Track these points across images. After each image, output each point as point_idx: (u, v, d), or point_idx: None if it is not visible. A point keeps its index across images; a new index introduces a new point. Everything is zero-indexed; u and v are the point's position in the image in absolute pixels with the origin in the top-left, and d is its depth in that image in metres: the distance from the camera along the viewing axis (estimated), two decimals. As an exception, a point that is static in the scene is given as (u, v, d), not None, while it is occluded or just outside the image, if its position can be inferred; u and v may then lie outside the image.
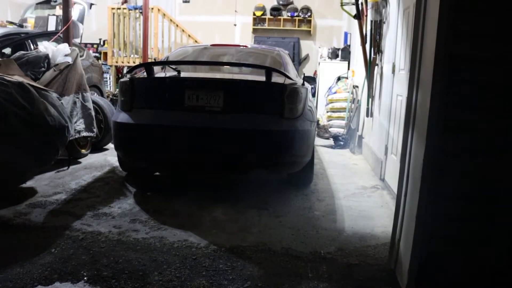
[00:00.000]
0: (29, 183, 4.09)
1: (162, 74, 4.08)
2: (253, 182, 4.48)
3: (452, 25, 2.07)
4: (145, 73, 3.91)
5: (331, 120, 7.36)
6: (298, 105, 3.70)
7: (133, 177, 4.51)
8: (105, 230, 3.11)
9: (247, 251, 2.87)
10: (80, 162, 5.06)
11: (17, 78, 3.76)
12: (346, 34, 9.54)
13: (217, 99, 3.59)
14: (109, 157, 5.34)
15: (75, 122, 4.65)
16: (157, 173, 4.77)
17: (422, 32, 2.39)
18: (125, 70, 9.36)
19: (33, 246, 2.83)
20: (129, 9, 9.01)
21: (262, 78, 3.70)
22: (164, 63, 4.40)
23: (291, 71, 4.38)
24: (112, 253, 2.75)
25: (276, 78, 3.77)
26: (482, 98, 2.11)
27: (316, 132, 8.02)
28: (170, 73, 4.03)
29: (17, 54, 4.51)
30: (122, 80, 3.96)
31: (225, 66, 4.47)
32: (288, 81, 3.75)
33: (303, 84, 3.97)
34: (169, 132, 3.64)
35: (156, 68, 4.20)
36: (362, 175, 5.06)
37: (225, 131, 3.55)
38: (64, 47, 4.68)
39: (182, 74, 3.91)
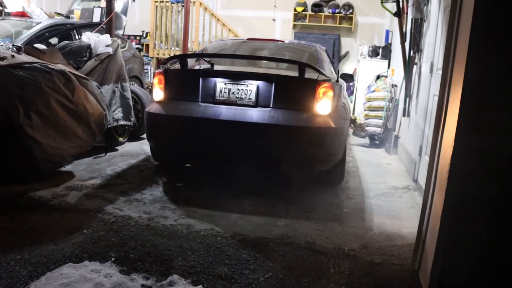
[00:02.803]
0: (67, 167, 4.27)
1: (196, 67, 4.14)
2: (283, 178, 4.50)
3: (486, 23, 2.03)
4: (179, 65, 3.97)
5: (368, 119, 7.27)
6: (331, 102, 3.66)
7: (166, 167, 4.61)
8: (136, 215, 3.22)
9: (271, 243, 2.90)
10: (117, 150, 5.22)
11: (60, 66, 3.93)
12: (387, 32, 9.38)
13: (248, 93, 3.62)
14: (145, 146, 5.48)
15: (114, 111, 4.81)
16: (188, 165, 4.85)
17: (457, 31, 2.34)
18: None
19: (67, 226, 2.97)
20: (172, 3, 9.17)
21: (296, 74, 3.69)
22: (197, 56, 4.46)
23: (326, 67, 4.34)
24: (140, 237, 2.85)
25: (310, 74, 3.76)
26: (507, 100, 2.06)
27: (350, 130, 7.99)
28: (204, 65, 4.08)
29: (61, 43, 4.70)
30: (156, 71, 4.04)
31: (260, 61, 4.48)
32: (321, 77, 3.73)
33: (337, 81, 3.94)
34: (199, 125, 3.68)
35: (192, 61, 4.26)
36: (395, 175, 4.99)
37: (255, 126, 3.56)
38: (106, 38, 4.84)
39: (216, 67, 3.95)
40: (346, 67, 10.54)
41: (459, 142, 2.15)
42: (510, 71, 2.04)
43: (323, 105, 3.63)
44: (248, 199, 3.73)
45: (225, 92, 3.67)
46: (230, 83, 3.68)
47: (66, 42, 4.75)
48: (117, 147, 5.29)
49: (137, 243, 2.76)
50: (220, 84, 3.69)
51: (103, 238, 2.80)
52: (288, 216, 3.45)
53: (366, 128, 7.21)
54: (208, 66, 3.97)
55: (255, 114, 3.59)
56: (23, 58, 3.73)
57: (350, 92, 9.70)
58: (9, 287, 2.19)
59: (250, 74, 3.81)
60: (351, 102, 9.47)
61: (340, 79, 4.10)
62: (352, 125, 8.19)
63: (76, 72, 4.06)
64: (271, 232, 3.10)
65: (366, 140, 7.15)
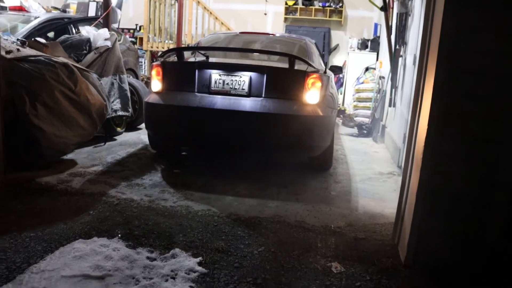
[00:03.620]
0: (69, 156, 4.47)
1: (192, 59, 4.35)
2: (276, 165, 4.74)
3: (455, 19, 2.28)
4: (175, 58, 4.18)
5: (357, 109, 7.52)
6: (319, 92, 3.90)
7: (163, 155, 4.84)
8: (137, 198, 3.45)
9: (264, 221, 3.15)
10: (115, 140, 5.44)
11: (62, 59, 4.13)
12: (376, 26, 9.63)
13: (242, 84, 3.85)
14: (142, 135, 5.69)
15: (112, 102, 5.02)
16: (184, 153, 5.08)
17: (431, 25, 2.58)
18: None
19: (74, 208, 3.19)
20: (165, -4, 9.32)
21: (286, 65, 3.92)
22: (193, 49, 4.67)
23: (316, 59, 4.58)
24: (143, 217, 3.09)
25: (300, 66, 3.99)
26: (475, 86, 2.31)
27: (339, 120, 8.25)
28: (199, 58, 4.29)
29: (62, 37, 4.89)
30: (154, 63, 4.25)
31: (253, 53, 4.70)
32: (310, 69, 3.96)
33: (325, 72, 4.18)
34: (196, 114, 3.88)
35: (187, 53, 4.47)
36: (381, 162, 5.26)
37: (248, 115, 3.78)
38: (104, 32, 5.04)
39: (210, 60, 4.17)
40: (336, 60, 10.78)
41: (432, 125, 2.40)
42: (476, 61, 2.30)
43: (311, 95, 3.86)
44: (242, 184, 3.97)
45: (220, 83, 3.89)
46: (224, 75, 3.90)
47: (67, 36, 4.95)
48: (115, 137, 5.50)
49: (140, 222, 2.99)
50: (215, 75, 3.91)
51: (109, 218, 3.03)
52: (279, 198, 3.70)
53: (355, 118, 7.47)
54: (203, 58, 4.18)
55: (248, 104, 3.81)
56: (28, 51, 3.93)
57: (340, 84, 9.96)
58: (27, 259, 2.42)
59: (243, 65, 4.03)
60: (341, 94, 9.72)
61: (328, 71, 4.33)
62: (341, 115, 8.46)
63: (77, 65, 4.26)
64: (263, 212, 3.35)
65: (355, 130, 7.41)
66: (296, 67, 3.92)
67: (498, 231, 2.43)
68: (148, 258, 2.51)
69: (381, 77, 7.32)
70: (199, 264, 2.48)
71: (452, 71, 2.31)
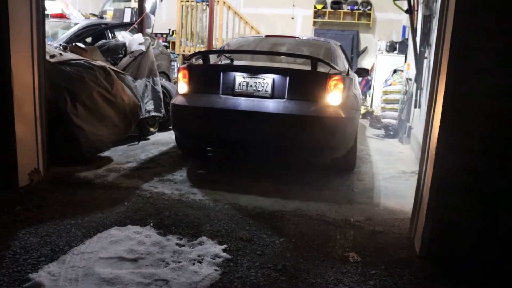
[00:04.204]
0: (106, 153, 4.76)
1: (218, 62, 4.51)
2: (300, 164, 4.89)
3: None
4: (201, 61, 4.36)
5: (384, 111, 7.59)
6: (341, 94, 3.98)
7: (193, 153, 5.06)
8: (168, 192, 3.69)
9: (286, 215, 3.33)
10: (148, 139, 5.72)
11: (99, 63, 4.42)
12: (404, 28, 9.66)
13: (265, 86, 3.99)
14: (174, 136, 5.93)
15: (146, 103, 5.30)
16: (210, 154, 5.28)
17: (444, 29, 2.71)
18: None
19: (110, 200, 3.45)
20: (197, 2, 9.66)
21: (309, 68, 4.05)
22: (218, 52, 4.86)
23: (339, 62, 4.69)
24: (173, 208, 3.31)
25: (323, 68, 4.10)
26: (485, 86, 2.43)
27: (367, 122, 8.33)
28: (224, 60, 4.45)
29: (100, 42, 5.21)
30: (180, 66, 4.42)
31: (277, 56, 4.80)
32: (332, 71, 4.05)
33: (347, 74, 4.28)
34: (220, 115, 4.01)
35: (213, 56, 4.65)
36: (405, 162, 5.34)
37: (271, 116, 3.88)
38: (139, 37, 5.33)
39: (235, 62, 4.31)
40: (365, 62, 10.84)
41: (444, 123, 2.53)
42: (484, 62, 2.41)
43: (333, 97, 3.96)
44: (267, 181, 4.15)
45: (244, 85, 4.04)
46: (248, 77, 4.05)
47: (104, 41, 5.26)
48: (148, 137, 5.79)
49: (171, 212, 3.22)
50: (239, 77, 4.06)
51: (142, 209, 3.27)
52: (303, 194, 3.86)
53: (382, 120, 7.55)
54: (228, 61, 4.34)
55: (271, 105, 3.93)
56: (69, 55, 4.24)
57: (369, 87, 10.02)
58: (69, 243, 2.67)
59: (266, 68, 4.16)
60: (369, 96, 9.78)
61: (351, 72, 4.44)
62: (369, 117, 8.53)
63: (114, 68, 4.55)
64: (287, 206, 3.52)
65: (382, 131, 7.49)
66: (318, 69, 4.03)
67: (510, 223, 2.53)
68: (177, 244, 2.73)
69: (409, 79, 7.37)
70: (224, 250, 2.67)
71: (462, 71, 2.44)
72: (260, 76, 4.02)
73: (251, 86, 4.03)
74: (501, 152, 2.47)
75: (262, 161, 5.00)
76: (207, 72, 4.35)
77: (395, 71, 8.11)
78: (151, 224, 2.99)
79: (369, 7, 10.60)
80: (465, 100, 2.46)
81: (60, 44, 4.57)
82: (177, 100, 4.29)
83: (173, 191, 3.71)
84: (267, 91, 3.99)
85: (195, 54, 4.69)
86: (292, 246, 2.81)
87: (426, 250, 2.71)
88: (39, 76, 3.59)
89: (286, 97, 3.96)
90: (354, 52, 10.66)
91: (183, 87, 4.29)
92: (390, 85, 7.75)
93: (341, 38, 10.24)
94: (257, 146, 4.21)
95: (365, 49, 10.93)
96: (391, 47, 9.53)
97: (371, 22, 10.67)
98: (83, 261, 2.47)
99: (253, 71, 4.10)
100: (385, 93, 7.69)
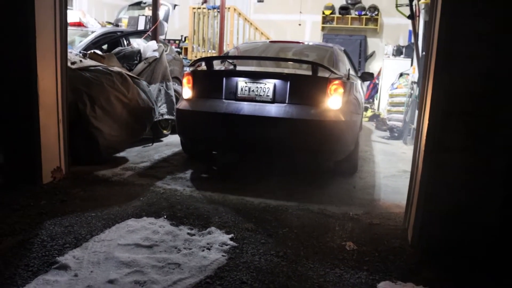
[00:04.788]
0: (121, 154, 5.05)
1: (221, 67, 4.66)
2: (305, 165, 5.11)
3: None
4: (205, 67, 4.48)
5: (390, 113, 7.81)
6: (341, 98, 4.10)
7: (198, 157, 5.18)
8: (180, 188, 3.96)
9: (289, 209, 3.57)
10: (162, 141, 6.01)
11: (116, 68, 4.73)
12: (410, 32, 9.83)
13: (266, 90, 4.12)
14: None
15: (159, 106, 5.59)
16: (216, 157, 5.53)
17: (433, 32, 2.95)
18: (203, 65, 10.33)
19: (127, 195, 3.73)
20: (208, 9, 9.96)
21: (310, 72, 4.16)
22: (220, 58, 5.04)
23: (342, 66, 4.83)
24: (185, 203, 3.58)
25: (324, 73, 4.23)
26: (474, 86, 2.67)
27: (373, 124, 8.54)
28: (228, 66, 4.59)
29: (116, 49, 5.53)
30: (184, 72, 4.59)
31: (279, 61, 4.85)
32: (333, 76, 4.20)
33: (348, 78, 4.42)
34: (223, 120, 4.14)
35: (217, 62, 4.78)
36: (407, 162, 5.50)
37: (272, 120, 4.00)
38: (153, 44, 5.64)
39: (238, 68, 4.46)
40: (373, 66, 11.06)
41: (433, 121, 2.76)
42: (467, 63, 2.65)
43: (334, 101, 4.06)
44: (273, 179, 4.40)
45: (246, 90, 4.18)
46: (250, 82, 4.18)
47: (120, 48, 5.58)
48: (162, 139, 6.08)
49: (182, 206, 3.49)
50: (241, 83, 4.19)
51: (156, 203, 3.55)
52: (306, 191, 4.11)
53: (388, 122, 7.76)
54: (231, 66, 4.50)
55: (272, 109, 4.06)
56: (88, 62, 4.55)
57: (376, 91, 10.24)
58: (90, 232, 2.95)
59: (267, 73, 4.30)
60: (376, 99, 9.99)
61: (352, 76, 4.62)
62: (375, 120, 8.75)
63: (130, 73, 4.85)
64: (290, 201, 3.77)
65: (387, 133, 7.69)
66: (319, 74, 4.14)
67: (492, 213, 2.75)
68: (188, 233, 2.99)
69: (414, 82, 7.58)
70: (231, 239, 2.93)
71: (447, 74, 2.68)
72: (261, 81, 4.15)
73: (253, 91, 4.15)
74: (485, 148, 2.70)
75: (266, 163, 5.22)
76: (210, 77, 4.47)
77: (401, 75, 8.32)
78: (165, 216, 3.26)
79: (376, 12, 10.83)
80: (452, 101, 2.69)
81: (80, 51, 4.88)
82: (182, 105, 4.42)
83: (185, 188, 3.98)
84: (268, 95, 4.11)
85: (198, 60, 4.80)
86: (294, 236, 3.06)
87: (417, 240, 2.94)
88: (62, 82, 3.89)
89: (287, 101, 4.08)
90: (362, 56, 10.89)
91: (187, 92, 4.42)
92: (396, 88, 7.97)
93: (349, 43, 10.50)
94: (259, 149, 4.32)
95: (373, 53, 11.16)
96: (398, 51, 9.74)
97: (378, 27, 10.90)
98: (104, 247, 2.75)
99: (255, 76, 4.23)
100: (391, 96, 7.91)
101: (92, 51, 5.09)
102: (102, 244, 2.79)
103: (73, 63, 4.34)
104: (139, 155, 5.13)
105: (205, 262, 2.62)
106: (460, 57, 2.65)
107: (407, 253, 2.88)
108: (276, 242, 2.95)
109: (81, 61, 4.48)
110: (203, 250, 2.77)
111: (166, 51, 6.92)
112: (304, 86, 4.14)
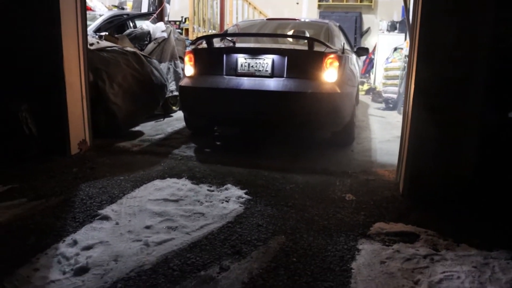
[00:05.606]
0: (137, 128, 5.47)
1: (221, 45, 4.86)
2: (306, 135, 5.53)
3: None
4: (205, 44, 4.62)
5: (385, 86, 8.21)
6: (337, 71, 4.25)
7: (202, 133, 5.45)
8: (196, 155, 4.40)
9: (295, 170, 4.01)
10: (172, 116, 6.42)
11: (130, 49, 5.11)
12: (403, 8, 10.16)
13: (265, 66, 4.30)
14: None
15: (169, 83, 5.98)
16: (217, 133, 5.90)
17: (417, 8, 3.34)
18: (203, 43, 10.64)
19: (148, 162, 4.16)
20: (208, -10, 10.23)
21: (306, 48, 4.40)
22: (220, 35, 5.29)
23: (337, 41, 5.09)
24: (202, 166, 4.02)
25: (319, 47, 4.45)
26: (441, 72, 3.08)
27: (369, 97, 8.94)
28: (227, 44, 4.83)
29: (127, 31, 5.90)
30: (186, 50, 4.85)
31: (277, 37, 5.17)
32: (328, 50, 4.44)
33: (343, 52, 4.67)
34: (225, 95, 4.33)
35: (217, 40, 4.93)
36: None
37: (272, 94, 4.21)
38: (161, 25, 6.01)
39: (237, 45, 4.72)
40: (368, 42, 11.38)
41: (417, 87, 3.18)
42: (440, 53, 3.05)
43: (330, 74, 4.25)
44: (278, 147, 4.83)
45: (246, 65, 4.35)
46: (249, 58, 4.35)
47: (131, 29, 5.95)
48: (171, 114, 6.49)
49: (200, 169, 3.93)
50: (241, 59, 4.37)
51: (176, 167, 3.98)
52: (308, 155, 4.54)
53: (383, 94, 8.16)
54: (231, 44, 4.75)
55: (271, 84, 4.24)
56: (105, 43, 4.93)
57: (372, 65, 10.60)
58: (122, 191, 3.39)
59: (266, 49, 4.48)
60: (372, 74, 10.37)
61: (346, 50, 4.90)
62: (371, 93, 9.15)
63: (142, 53, 5.23)
64: (294, 164, 4.21)
65: (383, 105, 8.10)
66: (315, 49, 4.31)
67: (469, 167, 3.18)
68: (208, 190, 3.43)
69: (407, 56, 7.95)
70: (246, 193, 3.37)
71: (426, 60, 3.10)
72: (260, 57, 4.31)
73: (252, 66, 4.33)
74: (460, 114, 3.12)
75: (268, 135, 5.59)
76: (211, 55, 4.60)
77: (395, 49, 8.68)
78: (186, 176, 3.70)
79: (371, -11, 11.11)
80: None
81: (97, 34, 5.25)
82: (184, 82, 4.59)
83: (200, 154, 4.42)
84: (267, 70, 4.29)
85: (198, 38, 5.00)
86: (300, 190, 3.51)
87: (407, 190, 3.38)
88: (84, 62, 4.28)
89: (285, 75, 4.26)
90: (358, 32, 11.20)
91: (189, 69, 4.58)
92: (390, 62, 8.34)
93: (345, 20, 10.81)
94: (259, 122, 4.54)
95: (368, 29, 11.47)
96: (392, 27, 10.05)
97: (373, 3, 11.19)
98: (136, 202, 3.19)
99: (254, 52, 4.40)
100: (386, 69, 8.28)
101: (105, 33, 5.45)
102: (134, 200, 3.22)
103: (91, 44, 4.71)
104: (153, 129, 5.54)
105: (225, 212, 3.06)
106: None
107: (398, 201, 3.32)
108: (285, 195, 3.39)
109: (98, 42, 4.86)
110: (222, 203, 3.21)
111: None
112: (301, 61, 4.34)
